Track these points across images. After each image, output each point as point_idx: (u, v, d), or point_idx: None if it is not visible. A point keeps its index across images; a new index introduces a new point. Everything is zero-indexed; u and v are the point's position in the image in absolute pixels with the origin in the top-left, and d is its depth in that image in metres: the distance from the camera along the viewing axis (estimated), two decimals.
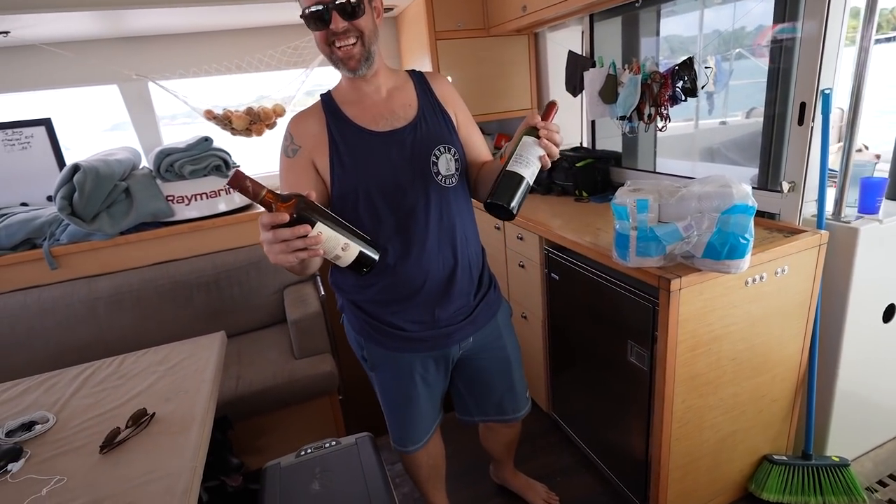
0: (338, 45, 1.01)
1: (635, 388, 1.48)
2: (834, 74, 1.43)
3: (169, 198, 2.13)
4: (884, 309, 1.57)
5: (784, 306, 1.42)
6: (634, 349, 1.45)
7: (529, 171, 0.94)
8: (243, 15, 2.23)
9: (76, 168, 1.92)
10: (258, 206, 2.27)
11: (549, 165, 0.98)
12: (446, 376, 1.33)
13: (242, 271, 2.21)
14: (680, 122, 2.11)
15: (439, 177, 1.13)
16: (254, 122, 2.39)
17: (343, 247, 0.89)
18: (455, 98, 1.23)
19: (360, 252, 0.91)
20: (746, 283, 1.33)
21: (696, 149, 2.33)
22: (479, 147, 1.25)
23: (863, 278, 1.47)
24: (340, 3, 0.97)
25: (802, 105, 1.42)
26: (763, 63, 1.63)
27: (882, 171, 1.64)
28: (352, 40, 1.01)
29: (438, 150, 1.13)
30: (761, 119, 1.63)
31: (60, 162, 2.31)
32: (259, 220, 0.83)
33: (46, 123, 2.30)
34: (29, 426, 1.23)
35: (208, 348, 1.54)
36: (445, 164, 1.14)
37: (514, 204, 0.93)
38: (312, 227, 0.83)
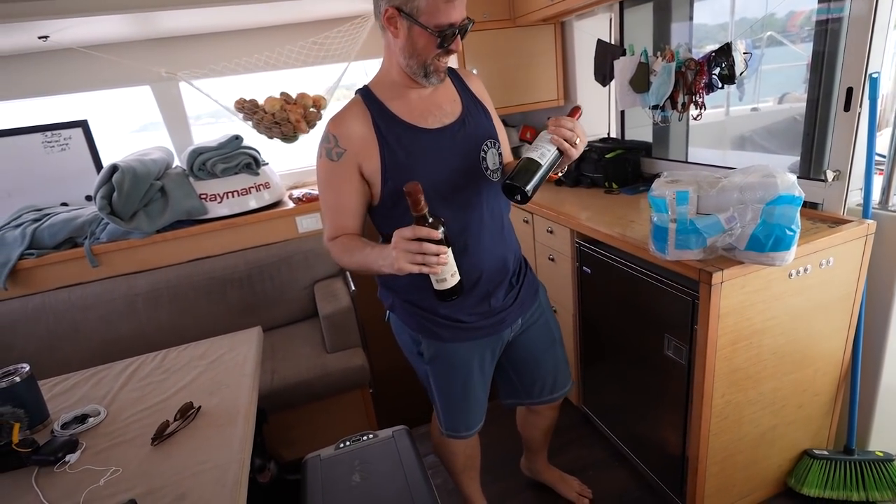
0: (442, 59, 1.04)
1: (672, 383, 1.47)
2: (882, 57, 1.38)
3: (202, 196, 2.18)
4: None
5: (827, 299, 1.39)
6: (672, 343, 1.43)
7: (545, 160, 1.01)
8: (269, 12, 2.25)
9: (115, 168, 1.98)
10: (288, 203, 2.31)
11: (572, 156, 1.03)
12: (494, 362, 1.35)
13: (274, 267, 2.25)
14: (710, 109, 2.06)
15: (488, 171, 1.15)
16: (287, 102, 2.39)
17: (452, 274, 0.97)
18: (486, 94, 1.26)
19: (459, 282, 0.99)
20: (790, 275, 1.30)
21: (728, 137, 2.27)
22: (505, 143, 1.28)
23: None
24: (462, 30, 1.01)
25: (849, 90, 1.37)
26: (798, 48, 1.57)
27: None
28: (452, 56, 1.06)
29: (486, 144, 1.15)
30: (794, 105, 1.58)
31: (98, 162, 2.37)
32: (413, 229, 0.91)
33: (83, 125, 2.37)
34: (82, 419, 1.27)
35: (246, 343, 1.58)
36: (492, 158, 1.16)
37: (529, 187, 0.99)
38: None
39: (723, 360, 1.30)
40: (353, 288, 2.18)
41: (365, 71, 3.44)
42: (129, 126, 3.07)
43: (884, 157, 1.47)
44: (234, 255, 2.25)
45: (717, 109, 2.17)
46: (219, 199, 2.20)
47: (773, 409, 1.47)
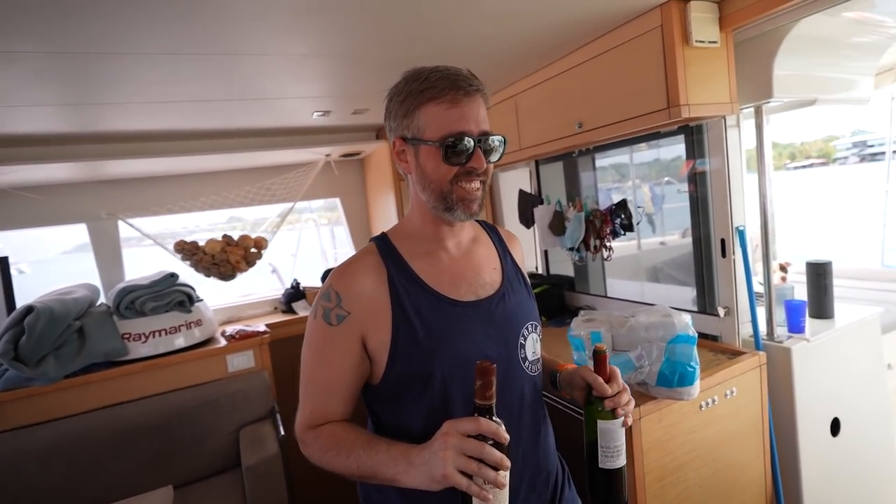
0: (464, 184, 0.83)
1: None
2: (744, 210, 1.68)
3: (125, 336, 2.07)
4: (830, 423, 1.65)
5: (739, 428, 1.48)
6: None
7: (623, 453, 0.85)
8: (218, 160, 2.41)
9: (29, 310, 1.87)
10: (220, 340, 2.23)
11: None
12: None
13: (196, 411, 2.08)
14: (625, 242, 2.32)
15: (526, 363, 0.91)
16: (229, 244, 2.43)
17: None
18: (524, 262, 1.06)
19: None
20: (700, 407, 1.39)
21: (643, 269, 2.53)
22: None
23: (804, 395, 1.57)
24: (485, 143, 0.83)
25: (723, 240, 1.63)
26: (685, 191, 1.85)
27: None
28: (479, 182, 0.85)
29: (527, 328, 0.92)
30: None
31: (10, 303, 2.23)
32: (477, 421, 0.69)
33: (2, 262, 2.27)
34: None
35: None
36: (532, 346, 0.92)
37: (625, 497, 0.87)
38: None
39: (653, 498, 1.31)
40: (283, 433, 2.04)
41: (310, 206, 3.65)
42: (61, 246, 2.95)
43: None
44: (153, 399, 2.07)
45: (630, 243, 2.44)
46: (143, 339, 2.09)
47: None
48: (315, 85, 1.72)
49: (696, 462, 1.39)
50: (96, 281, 2.45)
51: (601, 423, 0.84)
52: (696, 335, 1.29)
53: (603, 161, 2.43)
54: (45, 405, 1.94)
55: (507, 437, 0.70)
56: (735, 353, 1.57)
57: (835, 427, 1.67)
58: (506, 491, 0.71)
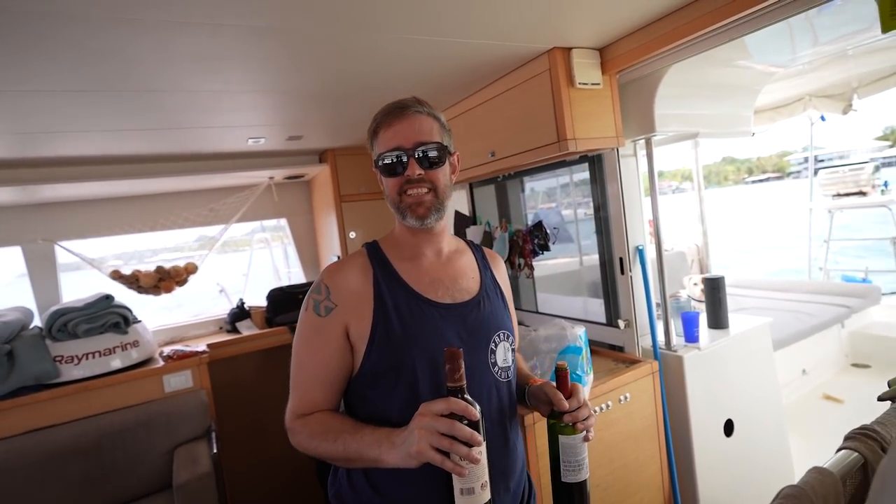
0: (409, 191, 0.93)
1: None
2: (643, 231, 1.85)
3: (57, 358, 2.07)
4: (723, 424, 1.81)
5: (634, 430, 1.62)
6: None
7: (585, 468, 0.90)
8: (160, 183, 2.46)
9: None
10: (158, 361, 2.25)
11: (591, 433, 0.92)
12: None
13: (130, 432, 2.09)
14: (553, 261, 2.46)
15: (495, 368, 0.96)
16: (163, 279, 2.49)
17: (482, 485, 0.76)
18: (508, 283, 1.12)
19: (489, 501, 0.78)
20: (594, 411, 1.51)
21: (568, 284, 2.69)
22: (516, 339, 1.11)
23: (698, 398, 1.72)
24: (420, 153, 0.91)
25: (621, 259, 1.79)
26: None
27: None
28: (425, 188, 0.93)
29: (498, 336, 0.98)
30: None
31: None
32: (447, 401, 0.76)
33: None
34: None
35: None
36: (503, 353, 0.98)
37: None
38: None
39: (548, 497, 1.43)
40: (215, 450, 2.07)
41: (262, 227, 3.69)
42: (6, 275, 2.91)
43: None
44: (85, 421, 2.07)
45: (556, 261, 2.58)
46: (76, 361, 2.10)
47: None
48: (246, 115, 1.81)
49: (592, 463, 1.50)
50: (32, 304, 2.45)
51: (562, 438, 0.89)
52: (584, 346, 1.43)
53: (533, 184, 2.59)
54: None
55: (478, 415, 0.76)
56: (633, 362, 1.72)
57: (728, 428, 1.83)
58: (483, 466, 0.76)
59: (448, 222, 1.04)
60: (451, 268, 1.01)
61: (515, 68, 1.60)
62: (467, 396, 0.78)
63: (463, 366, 0.78)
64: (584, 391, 0.94)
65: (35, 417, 2.02)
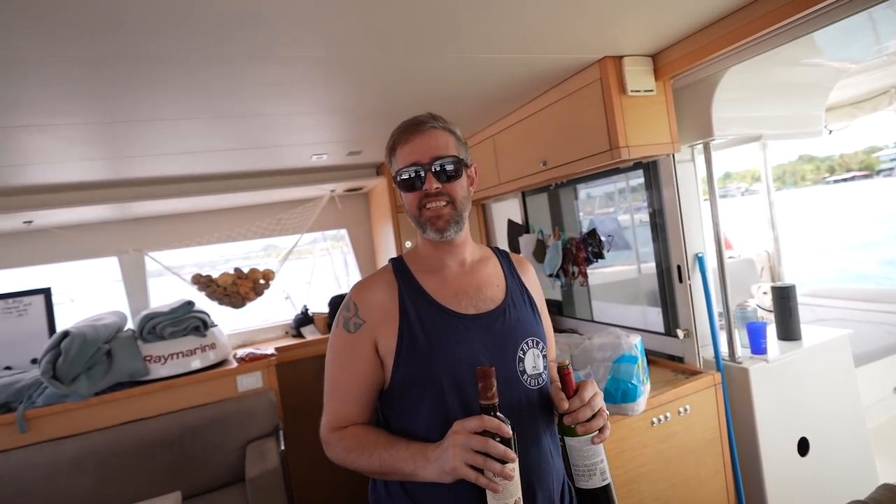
0: (428, 205, 0.95)
1: None
2: (702, 237, 1.79)
3: (147, 358, 2.31)
4: (797, 443, 1.70)
5: (694, 444, 1.56)
6: None
7: (601, 473, 0.85)
8: (235, 197, 2.68)
9: (65, 335, 2.13)
10: (232, 362, 2.44)
11: (606, 435, 0.88)
12: None
13: (207, 428, 2.28)
14: (609, 269, 2.42)
15: (524, 376, 0.96)
16: (240, 277, 2.69)
17: (516, 501, 0.77)
18: (539, 287, 1.12)
19: None
20: (652, 423, 1.49)
21: (625, 292, 2.62)
22: (550, 345, 1.10)
23: (766, 414, 1.63)
24: (437, 167, 0.94)
25: (679, 266, 1.75)
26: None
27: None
28: (443, 201, 0.95)
29: (527, 343, 0.98)
30: None
31: (52, 327, 2.51)
32: (480, 419, 0.78)
33: (46, 293, 2.57)
34: None
35: None
36: (532, 360, 0.97)
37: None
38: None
39: None
40: (282, 447, 2.21)
41: (323, 236, 3.89)
42: (109, 277, 3.28)
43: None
44: (169, 416, 2.29)
45: (611, 269, 2.53)
46: (163, 361, 2.32)
47: None
48: (311, 134, 1.95)
49: (650, 476, 1.49)
50: (126, 308, 2.73)
51: (567, 441, 0.87)
52: (640, 355, 1.41)
53: (587, 190, 2.57)
54: (76, 420, 2.18)
55: (511, 432, 0.78)
56: (694, 373, 1.66)
57: (803, 446, 1.72)
58: (516, 483, 0.77)
59: (468, 235, 1.05)
60: (474, 278, 1.01)
61: (566, 78, 1.61)
62: (500, 414, 0.79)
63: (495, 384, 0.79)
64: (592, 389, 0.89)
65: (128, 411, 2.25)
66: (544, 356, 1.00)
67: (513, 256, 1.12)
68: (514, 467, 0.77)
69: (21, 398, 2.14)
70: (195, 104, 1.39)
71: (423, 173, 0.94)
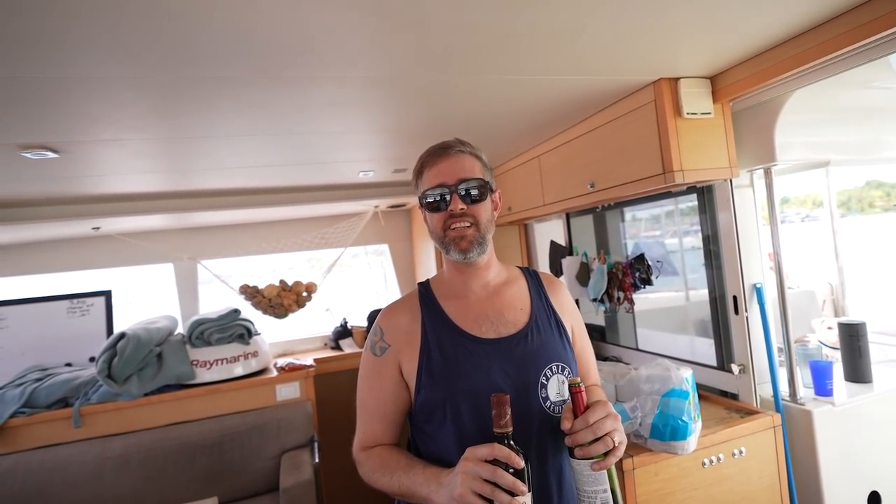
0: (453, 226, 0.97)
1: None
2: (761, 266, 1.69)
3: (194, 362, 2.39)
4: (867, 497, 1.55)
5: (750, 491, 1.45)
6: None
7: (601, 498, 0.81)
8: (284, 210, 2.77)
9: (122, 335, 2.24)
10: (272, 371, 2.49)
11: (620, 454, 0.84)
12: None
13: (246, 435, 2.32)
14: (655, 294, 2.32)
15: (547, 402, 0.94)
16: (284, 289, 2.77)
17: None
18: (572, 308, 1.10)
19: None
20: (703, 464, 1.40)
21: (672, 321, 2.51)
22: (588, 368, 1.09)
23: (833, 463, 1.50)
24: (462, 189, 0.96)
25: (734, 297, 1.65)
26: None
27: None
28: (467, 223, 0.97)
29: (550, 369, 0.96)
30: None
31: (110, 328, 2.66)
32: (492, 447, 0.77)
33: (107, 295, 2.72)
34: None
35: None
36: (556, 387, 0.95)
37: None
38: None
39: None
40: (317, 460, 2.22)
41: (364, 251, 3.95)
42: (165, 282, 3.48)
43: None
44: (210, 420, 2.35)
45: (658, 295, 2.43)
46: (208, 366, 2.40)
47: None
48: (360, 151, 2.00)
49: None
50: (177, 313, 2.86)
51: (571, 462, 0.84)
52: (691, 390, 1.33)
53: (636, 213, 2.49)
54: (126, 418, 2.28)
55: (523, 464, 0.76)
56: (750, 412, 1.55)
57: (874, 502, 1.56)
58: None
59: (493, 258, 1.05)
60: (497, 301, 1.02)
61: (618, 100, 1.58)
62: (513, 444, 0.78)
63: (509, 412, 0.78)
64: (602, 412, 0.84)
65: (173, 412, 2.33)
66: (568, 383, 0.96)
67: (543, 276, 1.11)
68: (524, 500, 0.74)
69: (78, 394, 2.26)
70: (256, 122, 1.45)
71: (448, 195, 0.96)
